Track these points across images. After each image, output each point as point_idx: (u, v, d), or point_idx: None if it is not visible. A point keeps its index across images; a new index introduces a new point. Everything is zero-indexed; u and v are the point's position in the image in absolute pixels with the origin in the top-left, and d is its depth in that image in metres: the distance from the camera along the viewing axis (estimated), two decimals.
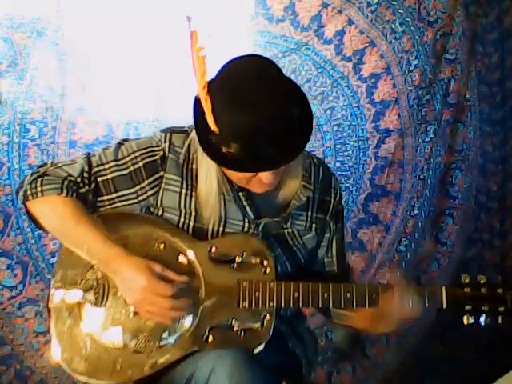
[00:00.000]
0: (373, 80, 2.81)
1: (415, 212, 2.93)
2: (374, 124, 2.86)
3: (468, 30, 2.85)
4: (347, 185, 2.84)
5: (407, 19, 2.80)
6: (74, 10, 2.45)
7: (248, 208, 1.54)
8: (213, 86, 1.37)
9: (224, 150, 1.38)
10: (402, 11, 2.79)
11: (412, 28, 2.81)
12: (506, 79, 2.93)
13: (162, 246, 1.52)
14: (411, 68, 2.84)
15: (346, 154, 2.86)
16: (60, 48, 2.44)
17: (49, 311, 1.52)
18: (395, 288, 1.50)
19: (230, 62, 1.43)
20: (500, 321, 1.48)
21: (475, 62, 2.90)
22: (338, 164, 2.83)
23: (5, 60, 2.37)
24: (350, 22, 2.73)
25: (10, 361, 2.45)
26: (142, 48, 2.50)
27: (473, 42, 2.87)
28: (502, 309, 1.47)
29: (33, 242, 2.46)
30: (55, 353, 1.49)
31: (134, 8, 2.50)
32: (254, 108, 1.34)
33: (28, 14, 2.38)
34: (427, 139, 2.90)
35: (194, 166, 1.53)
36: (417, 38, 2.82)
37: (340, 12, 2.71)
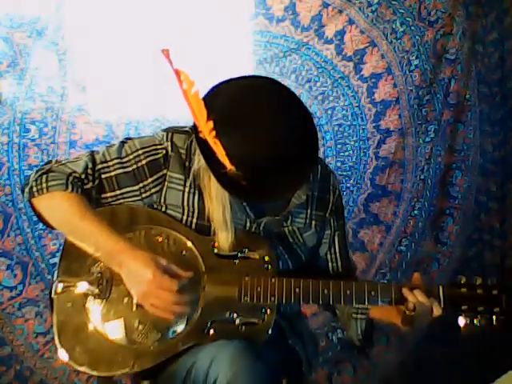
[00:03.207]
0: (373, 80, 2.82)
1: (415, 212, 2.93)
2: (374, 124, 2.86)
3: (468, 29, 2.86)
4: (348, 185, 2.84)
5: (408, 19, 2.80)
6: (74, 9, 2.44)
7: (248, 208, 1.56)
8: (214, 120, 1.35)
9: (243, 183, 1.38)
10: (402, 11, 2.79)
11: (412, 28, 2.81)
12: (506, 79, 2.94)
13: (165, 241, 1.53)
14: (412, 68, 2.84)
15: (346, 154, 2.86)
16: (60, 48, 2.44)
17: (51, 302, 1.52)
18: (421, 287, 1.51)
19: (222, 86, 1.43)
20: (494, 321, 1.49)
21: (475, 62, 2.91)
22: (338, 164, 2.83)
23: (5, 60, 2.37)
24: (351, 22, 2.74)
25: (10, 361, 2.45)
26: (142, 48, 2.49)
27: (473, 42, 2.88)
28: (496, 310, 1.49)
29: (33, 242, 2.45)
30: (57, 344, 1.49)
31: (134, 8, 2.50)
32: (266, 141, 1.35)
33: (28, 13, 2.37)
34: (428, 139, 2.90)
35: (195, 167, 1.53)
36: (417, 37, 2.82)
37: (340, 12, 2.72)
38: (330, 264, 1.72)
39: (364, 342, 1.66)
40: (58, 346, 1.49)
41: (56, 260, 2.38)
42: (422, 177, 2.92)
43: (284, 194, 1.51)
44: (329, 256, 1.71)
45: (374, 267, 2.88)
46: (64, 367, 2.45)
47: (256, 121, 1.37)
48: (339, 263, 1.72)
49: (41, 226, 2.22)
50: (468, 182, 2.97)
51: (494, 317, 1.49)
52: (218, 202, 1.51)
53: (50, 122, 2.47)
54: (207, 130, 1.35)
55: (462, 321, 1.50)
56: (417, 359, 2.83)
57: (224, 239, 1.52)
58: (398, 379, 2.86)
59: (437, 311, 1.50)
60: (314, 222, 1.65)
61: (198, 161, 1.51)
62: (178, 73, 1.33)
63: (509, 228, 2.97)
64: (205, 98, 1.38)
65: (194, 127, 1.41)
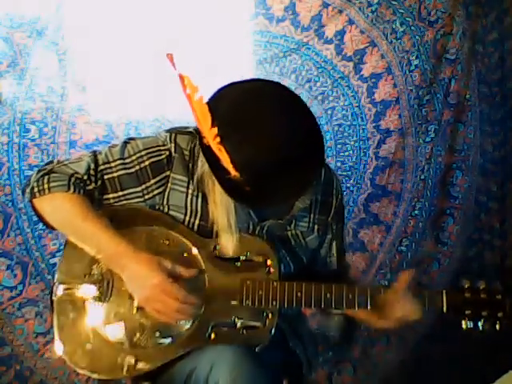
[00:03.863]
0: (373, 80, 2.81)
1: (416, 212, 2.93)
2: (374, 124, 2.86)
3: (468, 29, 2.85)
4: (348, 185, 2.84)
5: (408, 19, 2.80)
6: (74, 9, 2.44)
7: (251, 211, 1.55)
8: (218, 125, 1.35)
9: (247, 188, 1.37)
10: (402, 11, 2.79)
11: (412, 28, 2.81)
12: (506, 79, 2.93)
13: (166, 243, 1.53)
14: (412, 68, 2.84)
15: (346, 154, 2.85)
16: (60, 48, 2.44)
17: (52, 304, 1.52)
18: (401, 288, 1.50)
19: (226, 90, 1.42)
20: (498, 326, 1.48)
21: (475, 62, 2.90)
22: (338, 164, 2.83)
23: (5, 60, 2.37)
24: (351, 22, 2.73)
25: (10, 361, 2.45)
26: (142, 48, 2.49)
27: (473, 42, 2.87)
28: (500, 314, 1.48)
29: (33, 242, 2.45)
30: (57, 346, 1.49)
31: (134, 8, 2.50)
32: (268, 145, 1.35)
33: (28, 13, 2.37)
34: (428, 139, 2.90)
35: (199, 171, 1.53)
36: (417, 37, 2.81)
37: (340, 12, 2.71)
38: (327, 266, 1.71)
39: (341, 337, 1.66)
40: (58, 347, 1.49)
41: (56, 260, 2.41)
42: (423, 177, 2.91)
43: (289, 199, 1.49)
44: (327, 259, 1.71)
45: (374, 267, 2.87)
46: (64, 367, 2.45)
47: (258, 125, 1.36)
48: (335, 266, 1.71)
49: (41, 226, 2.22)
50: (468, 182, 2.97)
51: (497, 322, 1.48)
52: (222, 207, 1.50)
53: (50, 122, 2.46)
54: (211, 136, 1.34)
55: (464, 325, 1.50)
56: (417, 359, 2.83)
57: (228, 244, 1.51)
58: (398, 379, 2.85)
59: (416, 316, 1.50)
60: (316, 227, 1.65)
61: (202, 165, 1.50)
62: (181, 78, 1.32)
63: (509, 228, 2.97)
64: (208, 103, 1.37)
65: (198, 133, 1.41)
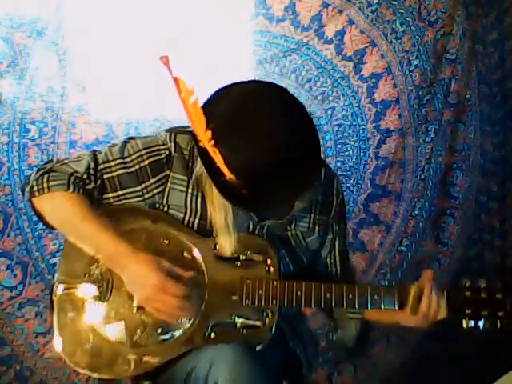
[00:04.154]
0: (373, 80, 2.81)
1: (416, 212, 2.93)
2: (374, 124, 2.86)
3: (468, 29, 2.85)
4: (348, 185, 2.84)
5: (408, 19, 2.80)
6: (74, 9, 2.45)
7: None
8: (214, 128, 1.34)
9: (244, 191, 1.36)
10: (402, 11, 2.79)
11: (412, 28, 2.81)
12: (506, 79, 2.93)
13: (166, 242, 1.52)
14: (412, 68, 2.84)
15: (346, 154, 2.86)
16: (60, 48, 2.44)
17: (52, 303, 1.52)
18: (425, 285, 1.51)
19: (223, 92, 1.41)
20: (499, 325, 1.48)
21: (475, 62, 2.90)
22: (338, 164, 2.83)
23: (5, 60, 2.37)
24: (351, 22, 2.73)
25: (10, 361, 2.45)
26: (142, 48, 2.49)
27: (473, 42, 2.88)
28: (501, 314, 1.48)
29: (33, 242, 2.46)
30: (57, 346, 1.50)
31: (134, 8, 2.50)
32: (267, 146, 1.34)
33: (28, 14, 2.38)
34: (428, 139, 2.90)
35: (198, 171, 1.52)
36: (417, 37, 2.82)
37: (340, 12, 2.71)
38: (328, 268, 1.71)
39: (358, 342, 1.66)
40: (58, 346, 1.49)
41: (56, 260, 2.41)
42: (423, 177, 2.91)
43: (286, 201, 1.49)
44: (328, 260, 1.71)
45: (374, 267, 2.87)
46: (64, 367, 2.45)
47: (256, 127, 1.35)
48: (338, 268, 1.71)
49: (41, 225, 2.22)
50: (468, 182, 2.97)
51: (498, 321, 1.48)
52: (219, 208, 1.50)
53: (50, 122, 2.47)
54: (206, 139, 1.34)
55: (465, 324, 1.50)
56: (417, 359, 2.83)
57: (226, 244, 1.51)
58: (398, 379, 2.85)
59: (442, 314, 1.50)
60: (317, 227, 1.64)
61: (201, 165, 1.50)
62: (176, 81, 1.32)
63: (509, 228, 2.97)
64: (205, 106, 1.36)
65: (194, 135, 1.41)
